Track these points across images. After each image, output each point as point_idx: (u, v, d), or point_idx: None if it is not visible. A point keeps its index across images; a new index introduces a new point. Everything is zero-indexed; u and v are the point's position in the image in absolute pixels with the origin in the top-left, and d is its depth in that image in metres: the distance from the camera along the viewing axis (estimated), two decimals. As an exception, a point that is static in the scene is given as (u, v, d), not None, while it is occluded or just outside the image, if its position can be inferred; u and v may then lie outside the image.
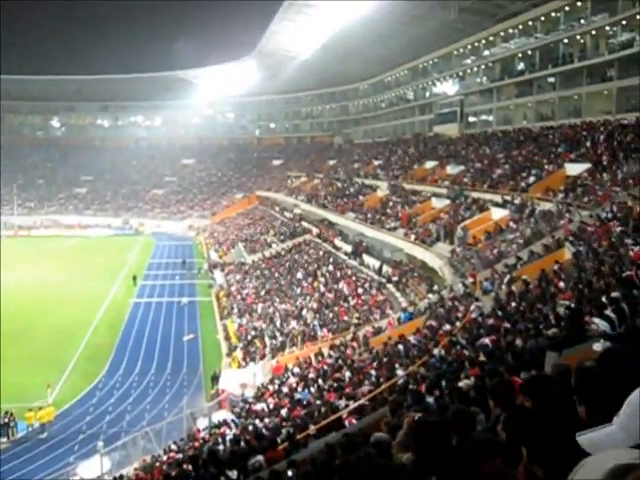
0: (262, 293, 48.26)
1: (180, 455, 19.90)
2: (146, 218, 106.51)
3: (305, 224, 67.06)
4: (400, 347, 22.40)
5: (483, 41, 63.98)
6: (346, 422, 15.03)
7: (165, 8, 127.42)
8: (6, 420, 27.39)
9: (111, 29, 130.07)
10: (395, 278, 40.30)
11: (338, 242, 54.68)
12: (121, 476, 20.78)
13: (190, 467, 13.62)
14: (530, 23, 55.76)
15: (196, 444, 21.09)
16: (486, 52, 64.12)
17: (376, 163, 74.44)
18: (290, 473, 8.20)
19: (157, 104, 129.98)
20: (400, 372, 18.59)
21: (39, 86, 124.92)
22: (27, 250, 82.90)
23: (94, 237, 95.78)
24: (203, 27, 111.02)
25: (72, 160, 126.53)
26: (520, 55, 58.44)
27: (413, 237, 42.72)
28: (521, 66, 59.24)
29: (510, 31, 58.92)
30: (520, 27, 57.24)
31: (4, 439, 27.08)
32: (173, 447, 22.46)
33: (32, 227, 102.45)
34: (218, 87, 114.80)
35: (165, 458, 20.73)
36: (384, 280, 41.39)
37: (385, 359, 21.77)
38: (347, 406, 16.79)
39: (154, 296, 55.03)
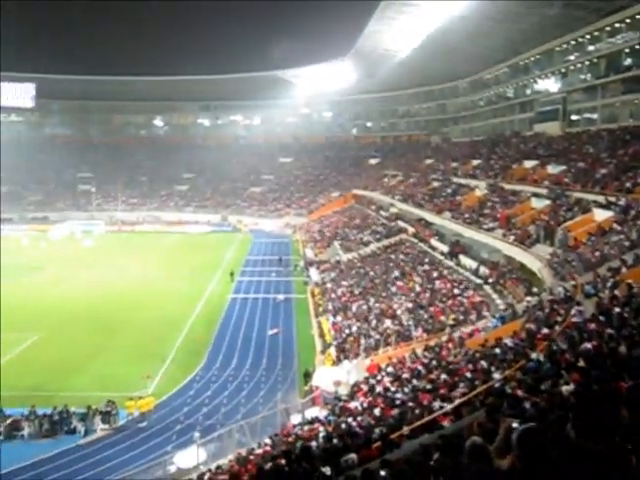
0: (357, 292, 48.19)
1: (274, 450, 20.09)
2: (244, 215, 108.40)
3: (401, 223, 66.57)
4: (497, 350, 21.92)
5: (587, 36, 61.66)
6: (440, 424, 14.81)
7: (265, 9, 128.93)
8: (108, 408, 28.40)
9: (212, 30, 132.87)
10: (492, 279, 39.51)
11: (434, 242, 54.04)
12: (217, 467, 21.16)
13: (284, 462, 13.71)
14: (638, 17, 53.44)
15: (289, 439, 21.23)
16: (590, 48, 61.86)
17: (474, 162, 73.12)
18: (383, 473, 8.11)
19: (256, 103, 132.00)
20: (496, 375, 18.18)
21: (143, 86, 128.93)
22: (129, 245, 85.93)
23: (194, 233, 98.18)
24: (301, 27, 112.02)
25: (174, 158, 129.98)
26: (627, 50, 56.15)
27: (512, 238, 41.77)
28: (628, 62, 56.88)
29: (617, 25, 56.59)
30: (627, 21, 54.91)
31: (106, 426, 28.09)
32: (267, 441, 22.70)
33: (135, 223, 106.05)
34: (316, 86, 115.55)
35: (259, 452, 20.97)
36: (481, 281, 40.65)
37: (481, 362, 21.36)
38: (442, 408, 16.55)
39: (250, 292, 55.90)
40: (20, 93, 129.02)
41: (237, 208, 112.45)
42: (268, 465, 14.69)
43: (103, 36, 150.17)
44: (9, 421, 27.52)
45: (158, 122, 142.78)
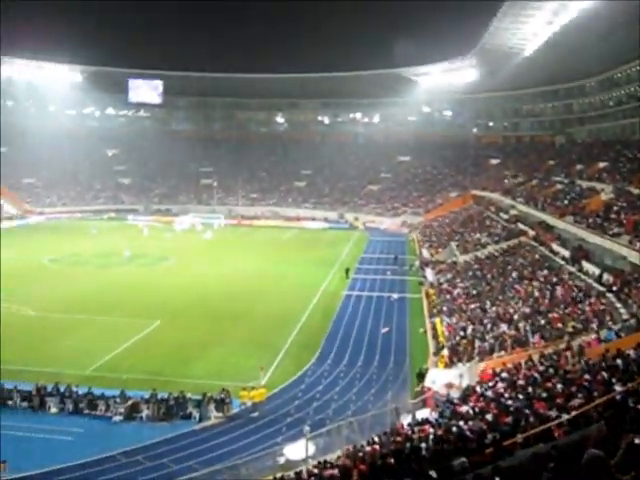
0: (473, 294, 47.33)
1: (383, 448, 20.01)
2: (361, 213, 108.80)
3: (521, 226, 64.84)
4: (618, 361, 20.99)
5: None
6: (556, 434, 14.32)
7: (388, 6, 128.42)
8: (222, 396, 29.18)
9: (334, 28, 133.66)
10: (616, 287, 37.80)
11: (555, 246, 52.27)
12: (325, 461, 21.31)
13: (393, 461, 13.65)
14: None
15: (399, 439, 21.10)
16: None
17: (601, 165, 70.26)
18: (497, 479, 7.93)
19: (376, 101, 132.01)
20: (618, 388, 17.40)
21: (266, 84, 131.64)
22: (248, 239, 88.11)
23: (311, 229, 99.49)
24: (425, 25, 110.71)
25: (293, 155, 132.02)
26: None
27: (639, 245, 39.83)
28: None
29: None
30: None
31: (220, 414, 28.86)
32: (376, 439, 22.65)
33: (254, 217, 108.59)
34: (437, 84, 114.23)
35: (368, 449, 20.96)
36: (604, 289, 38.98)
37: (601, 372, 20.49)
38: (558, 417, 16.00)
39: (365, 290, 55.97)
40: (148, 90, 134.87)
41: (354, 206, 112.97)
42: (377, 464, 14.67)
43: (228, 35, 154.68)
44: (130, 402, 28.77)
45: (279, 119, 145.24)
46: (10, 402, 29.61)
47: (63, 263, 65.99)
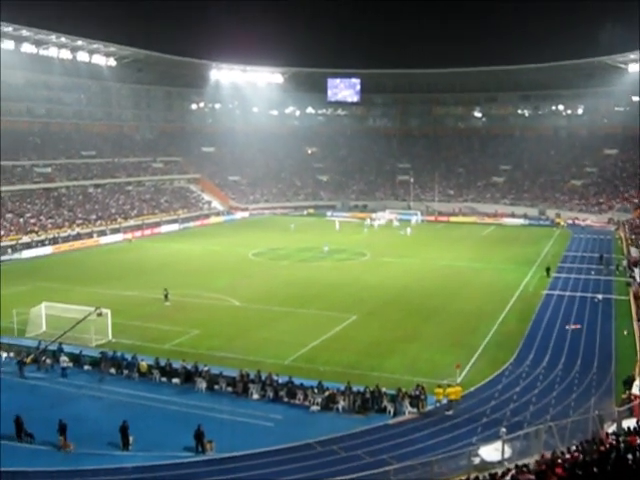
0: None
1: (585, 457, 19.07)
2: (563, 209, 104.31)
3: None
4: None
5: None
6: None
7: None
8: (417, 392, 29.16)
9: (533, 18, 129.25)
10: None
11: None
12: (521, 465, 20.67)
13: (596, 470, 12.97)
14: None
15: (602, 448, 20.00)
16: None
17: None
18: None
19: (579, 92, 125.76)
20: None
21: (463, 78, 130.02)
22: (445, 235, 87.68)
23: (509, 226, 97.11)
24: (632, 7, 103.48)
25: (491, 150, 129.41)
26: None
27: None
28: None
29: None
30: None
31: (414, 410, 28.85)
32: (577, 447, 21.63)
33: (451, 214, 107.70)
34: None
35: (567, 457, 20.07)
36: None
37: None
38: None
39: (567, 289, 53.52)
40: (346, 88, 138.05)
41: (555, 202, 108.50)
42: (580, 472, 14.00)
43: (422, 31, 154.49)
44: (327, 394, 29.60)
45: (477, 113, 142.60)
46: (216, 386, 31.79)
47: (265, 257, 69.33)
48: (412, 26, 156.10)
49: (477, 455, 23.06)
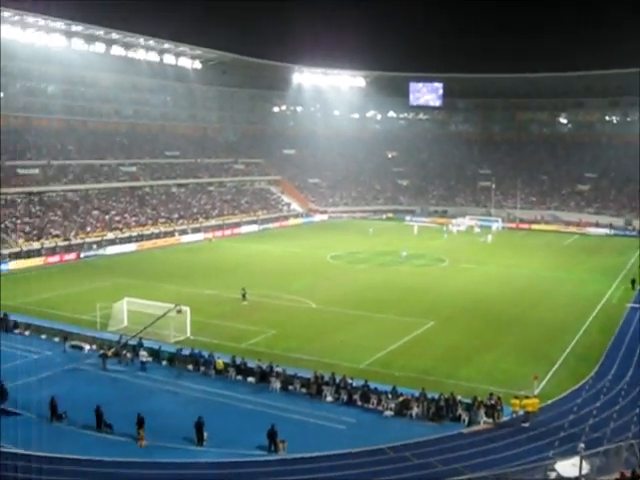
0: None
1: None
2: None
3: None
4: None
5: None
6: None
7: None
8: (493, 402, 28.69)
9: (619, 20, 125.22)
10: None
11: None
12: (601, 483, 20.15)
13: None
14: None
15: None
16: None
17: None
18: None
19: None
20: None
21: (548, 83, 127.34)
22: (526, 243, 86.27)
23: (594, 235, 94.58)
24: None
25: (576, 157, 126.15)
26: None
27: None
28: None
29: None
30: None
31: (490, 419, 28.40)
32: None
33: (533, 221, 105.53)
34: None
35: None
36: None
37: None
38: None
39: (652, 303, 51.79)
40: (428, 93, 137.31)
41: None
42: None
43: (506, 35, 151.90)
44: (401, 399, 29.48)
45: (562, 119, 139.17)
46: (291, 387, 32.11)
47: (343, 260, 69.56)
48: (495, 32, 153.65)
49: (553, 470, 22.54)
